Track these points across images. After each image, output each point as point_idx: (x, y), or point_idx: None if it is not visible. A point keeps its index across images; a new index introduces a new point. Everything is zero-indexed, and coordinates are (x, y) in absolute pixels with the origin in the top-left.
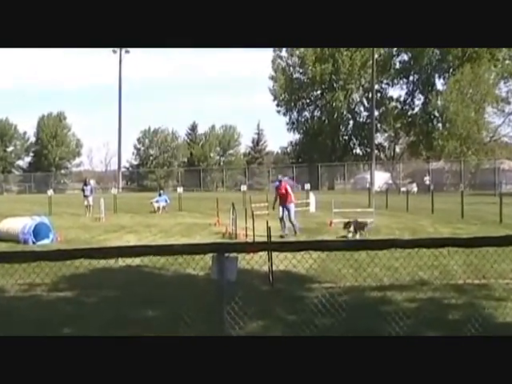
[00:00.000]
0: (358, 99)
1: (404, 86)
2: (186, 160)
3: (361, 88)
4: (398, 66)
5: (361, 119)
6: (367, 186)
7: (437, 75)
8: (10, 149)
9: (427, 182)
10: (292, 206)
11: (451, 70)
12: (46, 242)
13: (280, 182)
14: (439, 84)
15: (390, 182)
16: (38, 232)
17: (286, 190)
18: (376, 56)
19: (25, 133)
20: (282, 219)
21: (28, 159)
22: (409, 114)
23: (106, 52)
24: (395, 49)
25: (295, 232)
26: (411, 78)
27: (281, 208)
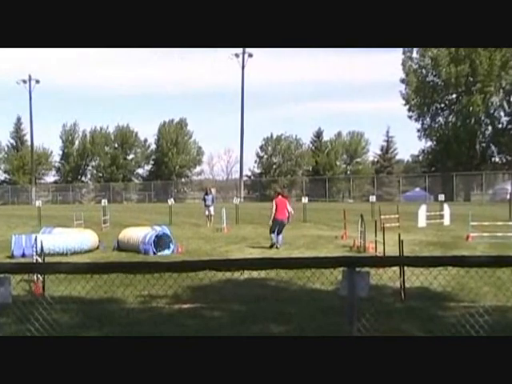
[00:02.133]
0: (498, 103)
1: None
2: (310, 168)
3: (501, 90)
4: None
5: (500, 125)
6: (507, 197)
7: None
8: (131, 157)
9: None
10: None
11: None
12: (166, 252)
13: (279, 194)
14: None
15: None
16: (159, 242)
17: (283, 204)
18: None
19: (145, 140)
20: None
21: (148, 167)
22: None
23: (227, 54)
24: None
25: (275, 245)
26: None
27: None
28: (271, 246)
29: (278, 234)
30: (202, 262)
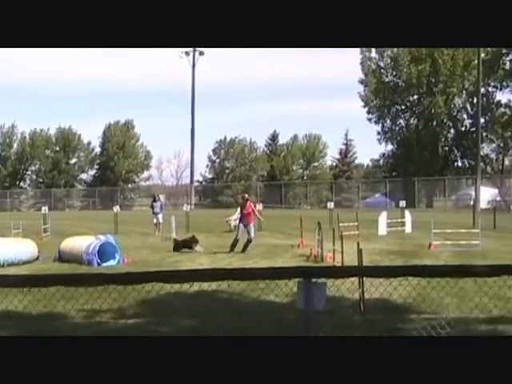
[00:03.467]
0: (461, 105)
1: None
2: (265, 173)
3: (464, 92)
4: (508, 66)
5: (464, 127)
6: (471, 203)
7: None
8: (73, 161)
9: None
10: (252, 226)
11: None
12: (111, 263)
13: (247, 200)
14: None
15: (498, 198)
16: (103, 252)
17: (253, 209)
18: (482, 55)
19: (89, 143)
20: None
21: (92, 172)
22: None
23: (178, 53)
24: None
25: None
26: None
27: (242, 227)
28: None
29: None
30: (149, 273)
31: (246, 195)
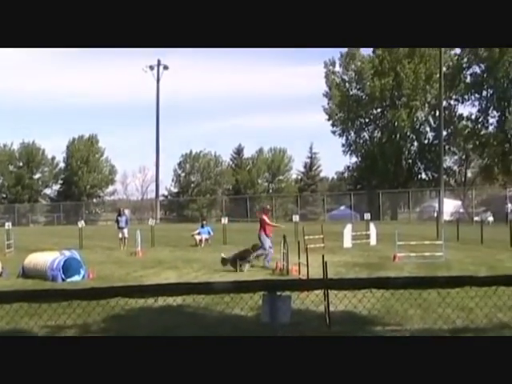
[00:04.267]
0: (424, 118)
1: (476, 103)
2: (230, 187)
3: (426, 105)
4: (468, 79)
5: (426, 140)
6: (435, 215)
7: None
8: (37, 176)
9: (509, 210)
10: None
11: None
12: (76, 278)
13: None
14: None
15: (462, 210)
16: (68, 268)
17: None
18: (444, 69)
19: (53, 158)
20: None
21: (56, 187)
22: (482, 133)
23: (143, 67)
24: (465, 60)
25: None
26: (484, 93)
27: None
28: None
29: (267, 249)
30: (113, 288)
31: (268, 206)
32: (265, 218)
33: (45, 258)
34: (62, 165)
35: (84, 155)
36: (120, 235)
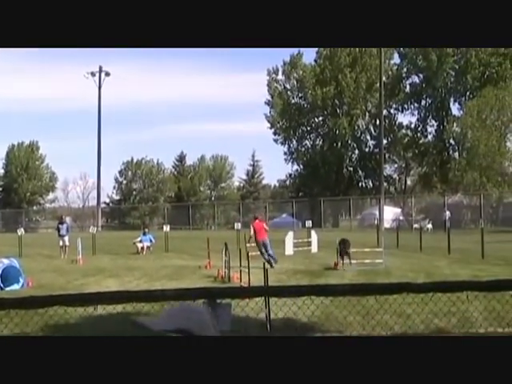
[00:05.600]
0: (364, 126)
1: (415, 112)
2: (172, 195)
3: (367, 114)
4: (408, 89)
5: (367, 148)
6: (375, 222)
7: (452, 99)
8: None
9: (447, 218)
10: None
11: (468, 93)
12: (15, 287)
13: (256, 218)
14: (455, 109)
15: (401, 218)
16: (6, 276)
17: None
18: (384, 78)
19: None
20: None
21: None
22: (421, 142)
23: (84, 73)
24: (405, 70)
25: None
26: (423, 102)
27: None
28: (271, 266)
29: (267, 252)
30: (52, 297)
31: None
32: (251, 226)
33: None
34: (0, 172)
35: (24, 162)
36: (61, 243)
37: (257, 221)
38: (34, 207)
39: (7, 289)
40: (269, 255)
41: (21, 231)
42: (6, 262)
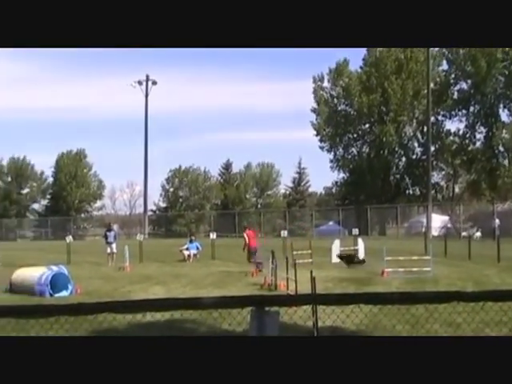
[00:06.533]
0: (412, 133)
1: (463, 118)
2: (219, 202)
3: (414, 121)
4: (456, 95)
5: (414, 156)
6: (423, 230)
7: (501, 105)
8: (25, 191)
9: (496, 226)
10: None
11: None
12: (64, 294)
13: (246, 228)
14: (504, 115)
15: (449, 225)
16: (56, 283)
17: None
18: (431, 85)
19: (42, 173)
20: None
21: (45, 202)
22: (469, 149)
23: (131, 82)
24: (452, 76)
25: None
26: (472, 108)
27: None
28: (260, 270)
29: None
30: (101, 303)
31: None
32: (244, 235)
33: (32, 273)
34: (50, 180)
35: (72, 170)
36: (108, 250)
37: (249, 231)
38: (82, 215)
39: (56, 295)
40: (256, 262)
41: (69, 238)
42: (55, 269)
